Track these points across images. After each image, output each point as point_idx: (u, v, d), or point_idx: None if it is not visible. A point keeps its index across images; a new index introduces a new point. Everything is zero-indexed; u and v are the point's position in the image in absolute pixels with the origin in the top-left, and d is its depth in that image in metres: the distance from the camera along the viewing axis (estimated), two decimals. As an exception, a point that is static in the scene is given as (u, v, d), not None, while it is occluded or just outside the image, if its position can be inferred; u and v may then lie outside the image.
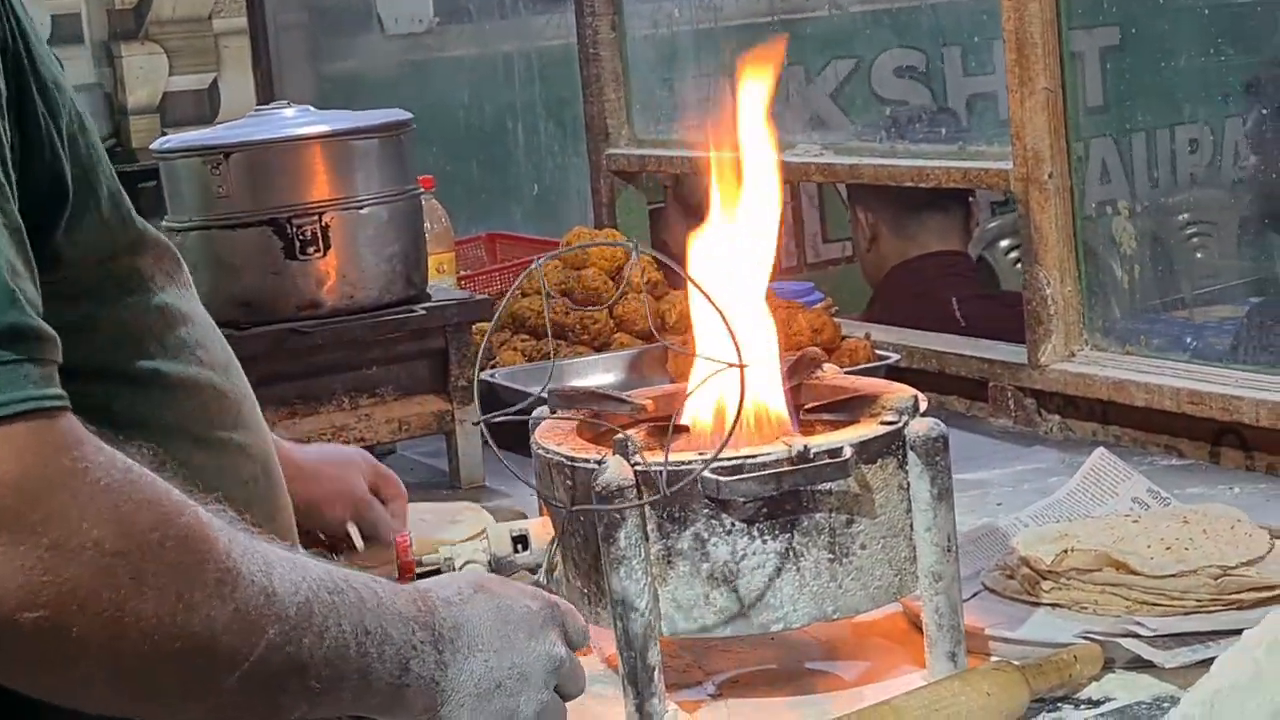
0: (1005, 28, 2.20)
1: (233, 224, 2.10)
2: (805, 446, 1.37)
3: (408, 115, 2.21)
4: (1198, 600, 1.53)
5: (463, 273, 2.99)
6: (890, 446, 1.42)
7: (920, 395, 1.48)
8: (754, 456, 1.37)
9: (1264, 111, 2.04)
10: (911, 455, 1.43)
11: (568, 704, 1.23)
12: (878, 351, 2.38)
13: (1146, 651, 1.44)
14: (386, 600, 1.09)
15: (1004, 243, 4.13)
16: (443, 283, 2.59)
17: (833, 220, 4.60)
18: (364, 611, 1.06)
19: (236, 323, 2.05)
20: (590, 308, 2.56)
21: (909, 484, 1.43)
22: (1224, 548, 1.59)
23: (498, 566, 1.50)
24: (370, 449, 2.21)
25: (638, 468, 1.38)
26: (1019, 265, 3.59)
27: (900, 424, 1.43)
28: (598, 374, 2.52)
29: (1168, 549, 1.59)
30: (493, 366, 2.55)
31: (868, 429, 1.43)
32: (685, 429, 1.48)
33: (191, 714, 1.00)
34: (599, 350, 2.61)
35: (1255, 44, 2.04)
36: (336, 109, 2.29)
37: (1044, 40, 2.18)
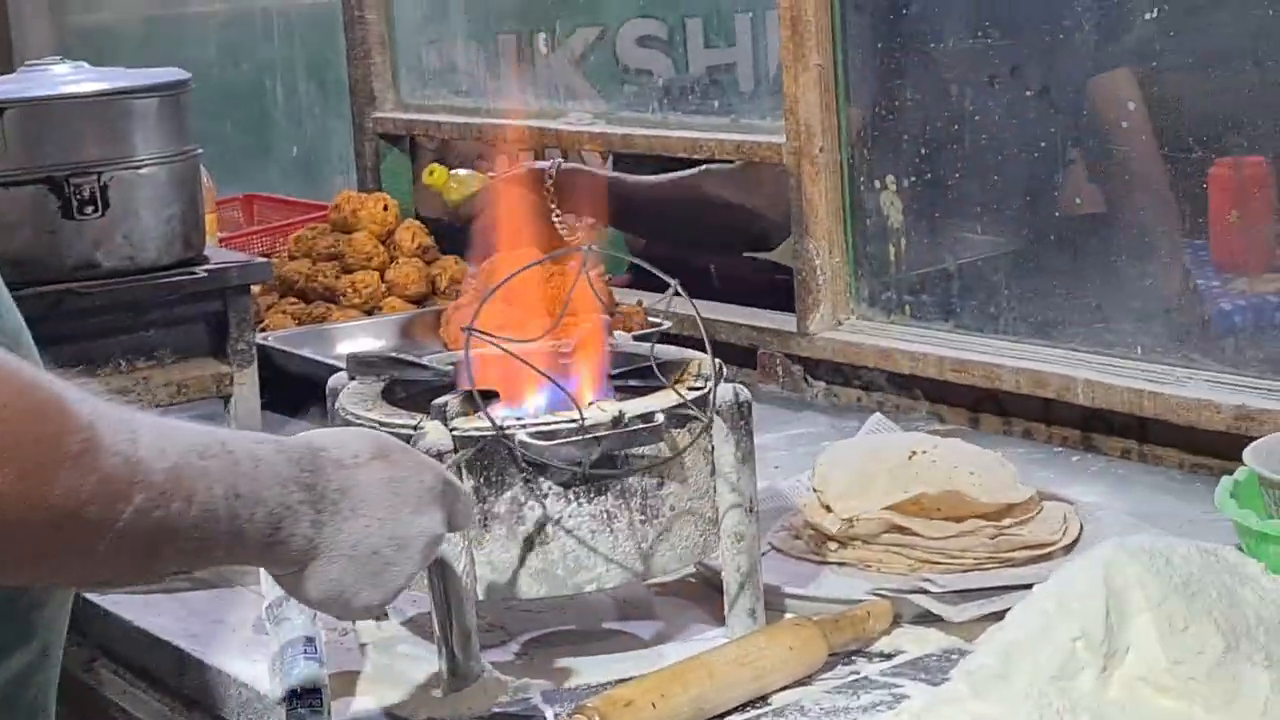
0: (780, 5, 2.27)
1: (6, 182, 2.05)
2: (620, 412, 1.41)
3: (186, 75, 2.19)
4: (975, 558, 1.62)
5: (221, 234, 2.96)
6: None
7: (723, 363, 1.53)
8: (570, 421, 1.41)
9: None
10: (717, 420, 1.48)
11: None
12: (650, 319, 2.43)
13: (936, 607, 1.52)
14: (266, 461, 1.11)
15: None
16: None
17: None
18: (238, 475, 1.08)
19: (10, 283, 2.00)
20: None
21: (713, 447, 1.48)
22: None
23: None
24: (144, 413, 2.19)
25: (456, 433, 1.40)
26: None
27: (706, 390, 1.48)
28: (368, 338, 2.53)
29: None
30: (262, 329, 2.53)
31: (677, 395, 1.48)
32: (496, 394, 1.51)
33: (66, 576, 1.05)
34: (369, 314, 2.61)
35: (1018, 29, 2.13)
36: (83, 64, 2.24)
37: (817, 17, 2.25)
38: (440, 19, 3.14)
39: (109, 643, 1.73)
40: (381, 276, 2.66)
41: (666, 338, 2.31)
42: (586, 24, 4.18)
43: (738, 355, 2.47)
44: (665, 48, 4.47)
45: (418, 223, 2.73)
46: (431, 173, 2.91)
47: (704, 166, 2.87)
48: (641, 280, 3.08)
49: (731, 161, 2.62)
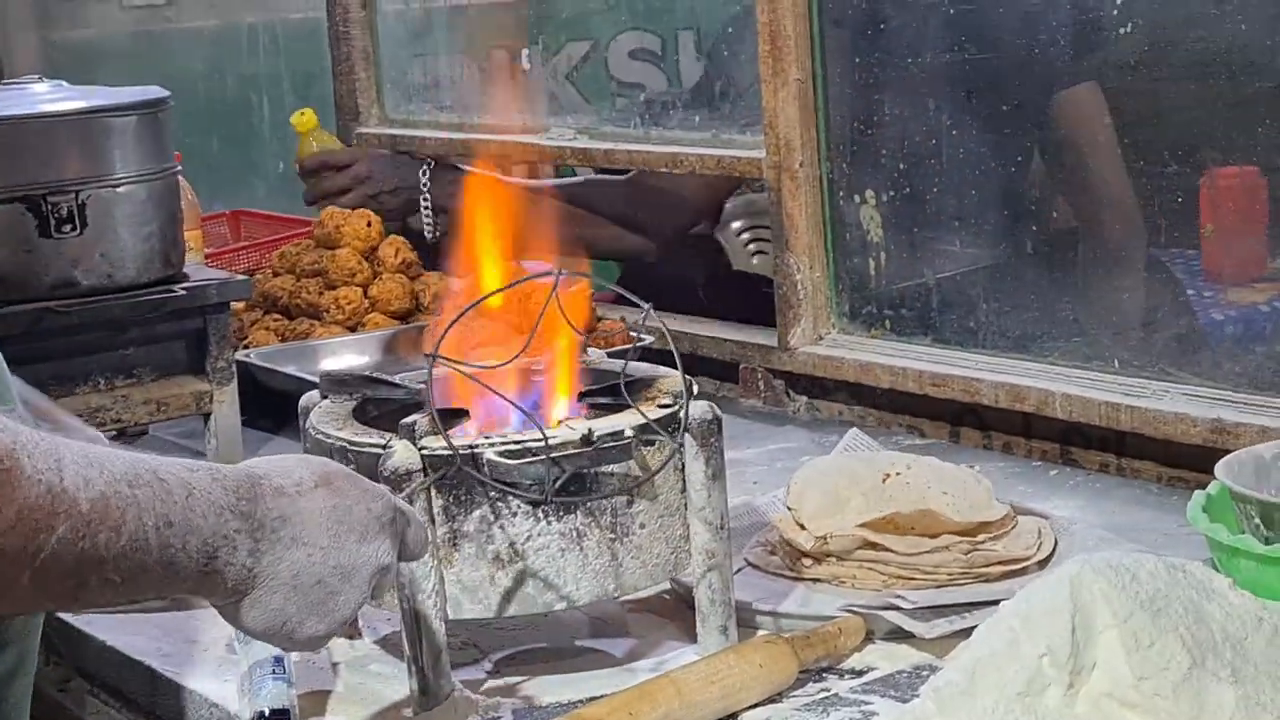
0: (760, 20, 2.27)
1: (-18, 200, 2.05)
2: (589, 429, 1.41)
3: (166, 93, 2.19)
4: (949, 574, 1.62)
5: (208, 250, 2.95)
6: (667, 429, 1.47)
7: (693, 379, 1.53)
8: (539, 440, 1.41)
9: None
10: (687, 437, 1.48)
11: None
12: (632, 334, 2.43)
13: (907, 623, 1.51)
14: (201, 490, 1.09)
15: (735, 224, 4.22)
16: (189, 261, 2.56)
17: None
18: (169, 504, 1.07)
19: (-12, 302, 2.02)
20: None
21: (684, 465, 1.48)
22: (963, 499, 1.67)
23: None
24: (124, 430, 2.19)
25: (424, 452, 1.40)
26: (750, 246, 3.69)
27: (676, 407, 1.48)
28: (351, 354, 2.53)
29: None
30: (246, 346, 2.53)
31: (647, 412, 1.48)
32: (465, 413, 1.51)
33: None
34: (353, 330, 2.61)
35: (992, 44, 2.14)
36: (63, 80, 2.25)
37: (796, 32, 2.25)
38: (426, 34, 3.15)
39: (82, 662, 1.73)
40: (365, 292, 2.65)
41: (648, 353, 2.33)
42: (576, 38, 4.19)
43: (720, 370, 2.47)
44: (657, 61, 4.47)
45: (401, 239, 2.73)
46: (303, 114, 2.92)
47: (588, 176, 2.87)
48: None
49: (626, 171, 2.61)
